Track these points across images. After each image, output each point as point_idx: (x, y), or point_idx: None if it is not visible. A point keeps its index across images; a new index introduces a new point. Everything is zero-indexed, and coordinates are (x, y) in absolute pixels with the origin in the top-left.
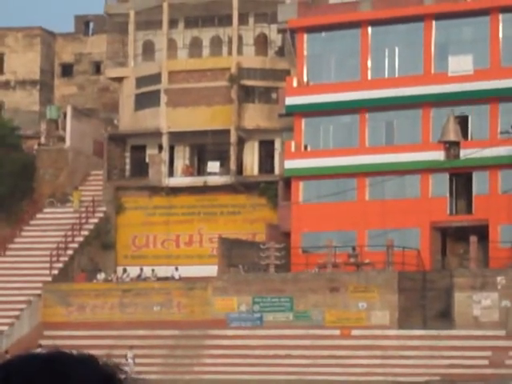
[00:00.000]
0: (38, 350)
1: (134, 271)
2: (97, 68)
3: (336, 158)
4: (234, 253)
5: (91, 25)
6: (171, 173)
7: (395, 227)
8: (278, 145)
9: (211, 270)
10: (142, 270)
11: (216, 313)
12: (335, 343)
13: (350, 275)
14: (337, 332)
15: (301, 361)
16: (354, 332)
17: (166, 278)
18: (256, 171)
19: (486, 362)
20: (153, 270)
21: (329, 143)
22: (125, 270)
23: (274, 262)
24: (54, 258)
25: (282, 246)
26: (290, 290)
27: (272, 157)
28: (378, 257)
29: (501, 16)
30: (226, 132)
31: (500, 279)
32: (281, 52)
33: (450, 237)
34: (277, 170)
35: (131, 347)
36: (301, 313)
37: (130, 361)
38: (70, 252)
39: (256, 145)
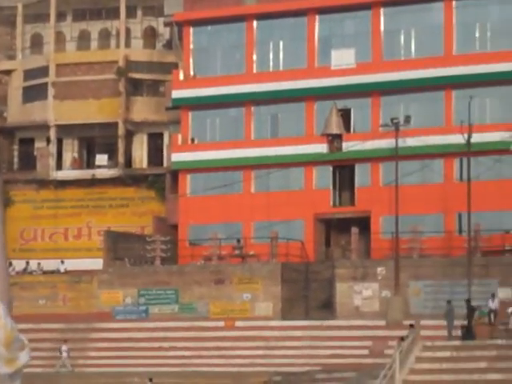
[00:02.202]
0: None
1: (20, 265)
2: None
3: (222, 150)
4: (120, 246)
5: None
6: (59, 166)
7: (280, 219)
8: (166, 138)
9: (99, 263)
10: (27, 263)
11: (102, 306)
12: (219, 335)
13: (235, 267)
14: (221, 323)
15: (185, 352)
16: (238, 323)
17: (52, 272)
18: (145, 164)
19: (366, 351)
20: (39, 264)
21: (215, 136)
22: (10, 264)
23: (160, 255)
24: None
25: (168, 239)
26: (176, 282)
27: (161, 150)
28: (263, 248)
29: (382, 10)
30: (114, 125)
31: (380, 270)
32: (168, 45)
33: (333, 228)
34: (165, 163)
35: (66, 341)
36: (186, 305)
37: (64, 354)
38: None
39: (144, 138)
